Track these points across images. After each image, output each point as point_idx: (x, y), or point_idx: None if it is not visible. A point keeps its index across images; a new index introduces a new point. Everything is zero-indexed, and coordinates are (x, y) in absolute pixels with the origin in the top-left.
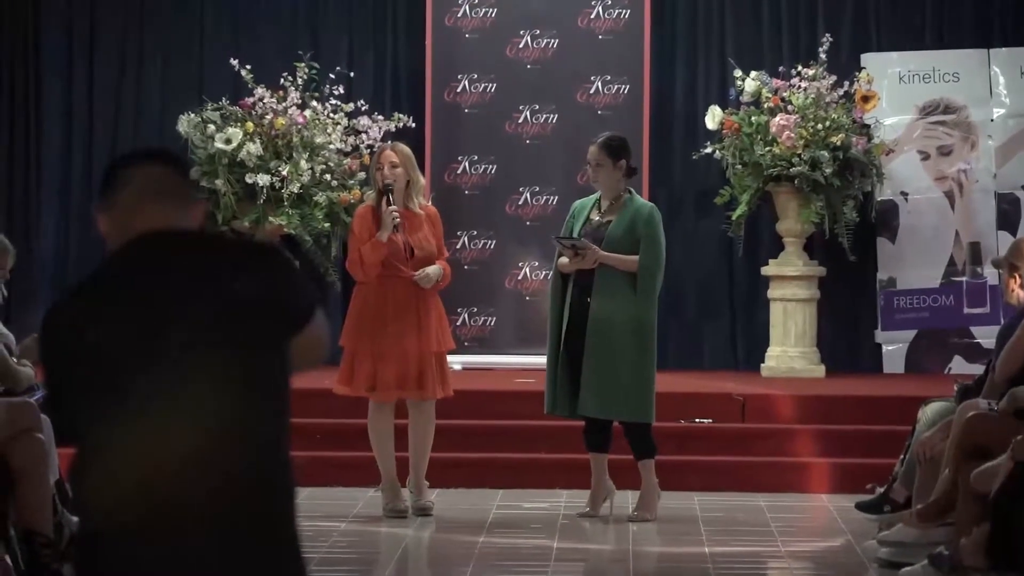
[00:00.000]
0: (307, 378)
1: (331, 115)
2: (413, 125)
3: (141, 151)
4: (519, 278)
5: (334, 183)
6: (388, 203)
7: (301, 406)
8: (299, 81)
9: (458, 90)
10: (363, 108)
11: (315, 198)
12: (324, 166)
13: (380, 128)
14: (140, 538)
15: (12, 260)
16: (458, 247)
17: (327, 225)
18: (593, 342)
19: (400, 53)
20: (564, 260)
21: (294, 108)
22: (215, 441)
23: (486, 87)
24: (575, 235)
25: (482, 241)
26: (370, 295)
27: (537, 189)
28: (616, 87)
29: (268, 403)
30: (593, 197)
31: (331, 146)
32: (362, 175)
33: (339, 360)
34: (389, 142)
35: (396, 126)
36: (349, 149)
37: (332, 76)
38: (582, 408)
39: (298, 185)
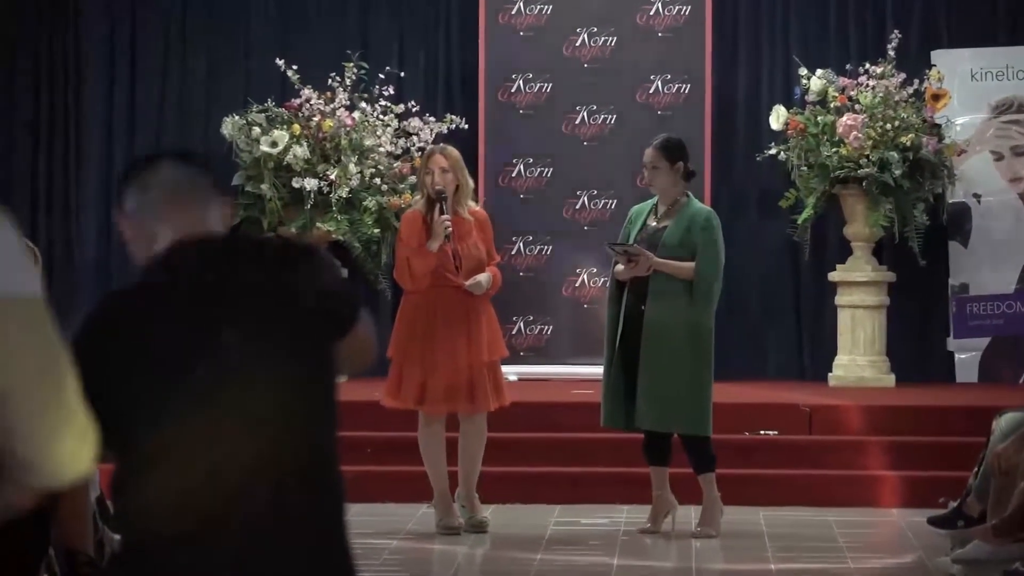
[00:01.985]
0: (357, 389)
1: (381, 117)
2: (466, 127)
3: (165, 151)
4: (576, 285)
5: (384, 187)
6: (441, 211)
7: (350, 418)
8: (347, 82)
9: (512, 90)
10: (414, 109)
11: (364, 203)
12: (373, 169)
13: (432, 130)
14: (191, 548)
15: (39, 268)
16: (513, 253)
17: (376, 231)
18: (648, 351)
19: (452, 52)
20: (620, 267)
21: (342, 110)
22: (270, 446)
23: (542, 87)
24: (631, 241)
25: (538, 247)
26: (419, 304)
27: (595, 192)
28: (676, 86)
29: (321, 408)
30: (651, 202)
31: (381, 149)
32: (413, 179)
33: (387, 370)
34: (438, 145)
35: (448, 128)
36: (399, 152)
37: (382, 76)
38: (639, 421)
39: (346, 189)
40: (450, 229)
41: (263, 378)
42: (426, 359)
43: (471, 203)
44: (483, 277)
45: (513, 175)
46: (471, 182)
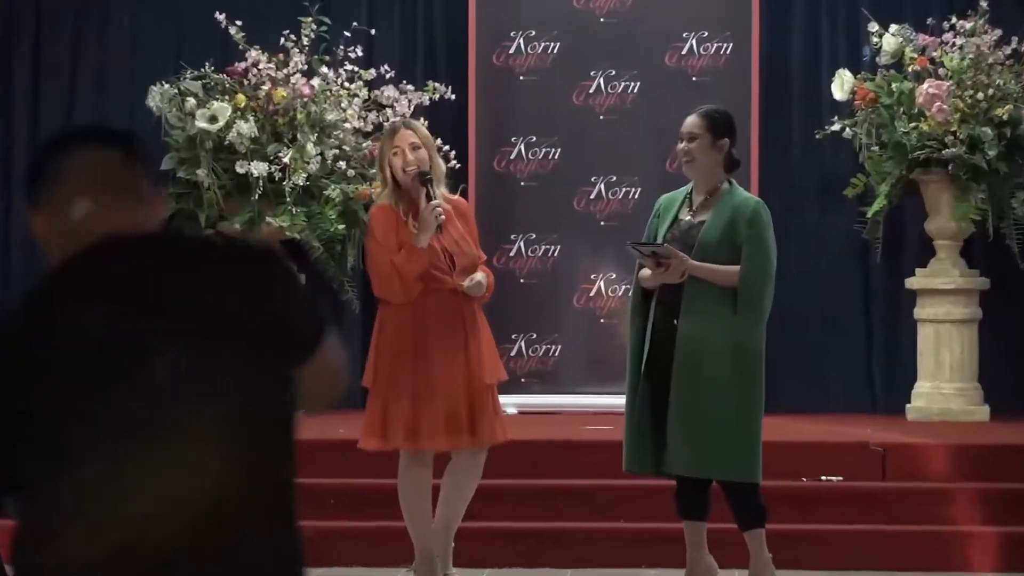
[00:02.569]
0: (317, 426)
1: (346, 85)
2: (452, 97)
3: (80, 131)
4: (591, 295)
5: (350, 173)
6: (428, 196)
7: (309, 462)
8: (304, 41)
9: (511, 51)
10: (387, 75)
11: (326, 192)
12: (337, 151)
13: (410, 101)
14: None
15: None
16: (512, 255)
17: (341, 227)
18: (682, 377)
19: (435, 4)
20: (645, 272)
21: (298, 76)
22: (212, 496)
23: (548, 47)
24: (658, 239)
25: (543, 247)
26: (404, 316)
27: (614, 179)
28: (716, 46)
29: (275, 450)
30: (683, 191)
31: (346, 125)
32: None
33: (361, 404)
34: (400, 119)
35: (430, 98)
36: (370, 128)
37: (347, 34)
38: (670, 464)
39: (304, 176)
40: (443, 217)
41: (205, 415)
42: (418, 384)
43: (444, 190)
44: (480, 276)
45: (512, 157)
46: (443, 165)
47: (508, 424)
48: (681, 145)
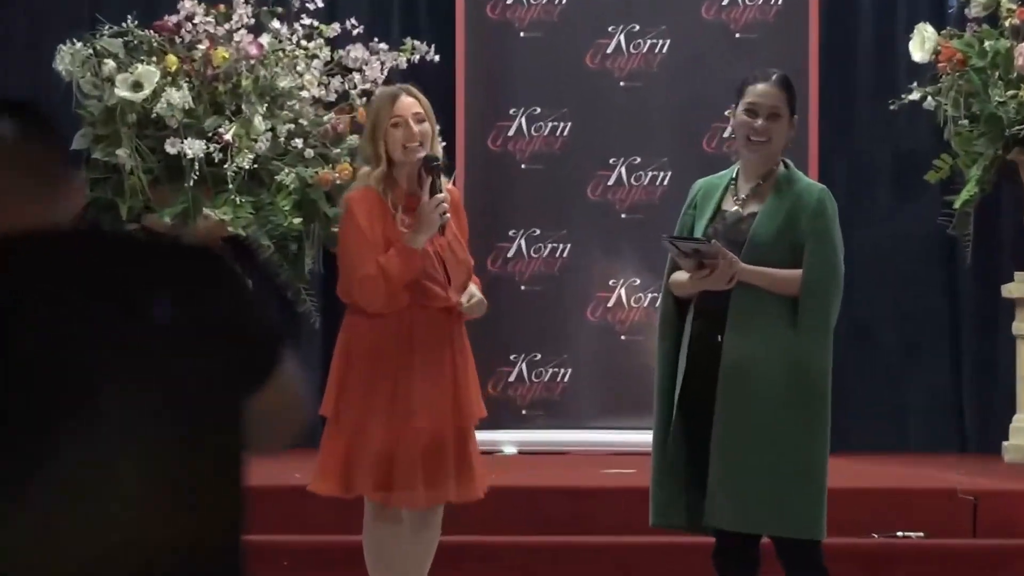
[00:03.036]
0: (269, 470)
1: (303, 44)
2: (436, 58)
3: None
4: (609, 306)
5: (309, 153)
6: (434, 189)
7: (260, 515)
8: None
9: (508, 1)
10: (355, 32)
11: (278, 178)
12: (292, 126)
13: (383, 64)
14: None
15: None
16: (510, 256)
17: (297, 221)
18: (727, 408)
19: None
20: (681, 276)
21: (243, 32)
22: (143, 549)
23: None
24: (698, 235)
25: (549, 245)
26: (380, 333)
27: (637, 160)
28: None
29: (219, 498)
30: (726, 175)
31: (303, 93)
32: (354, 139)
33: (315, 440)
34: (399, 84)
35: (408, 59)
36: (332, 98)
37: None
38: (710, 517)
39: (251, 157)
40: (448, 217)
41: (133, 455)
42: (395, 419)
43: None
44: (478, 292)
45: (510, 134)
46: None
47: (503, 468)
48: (758, 123)
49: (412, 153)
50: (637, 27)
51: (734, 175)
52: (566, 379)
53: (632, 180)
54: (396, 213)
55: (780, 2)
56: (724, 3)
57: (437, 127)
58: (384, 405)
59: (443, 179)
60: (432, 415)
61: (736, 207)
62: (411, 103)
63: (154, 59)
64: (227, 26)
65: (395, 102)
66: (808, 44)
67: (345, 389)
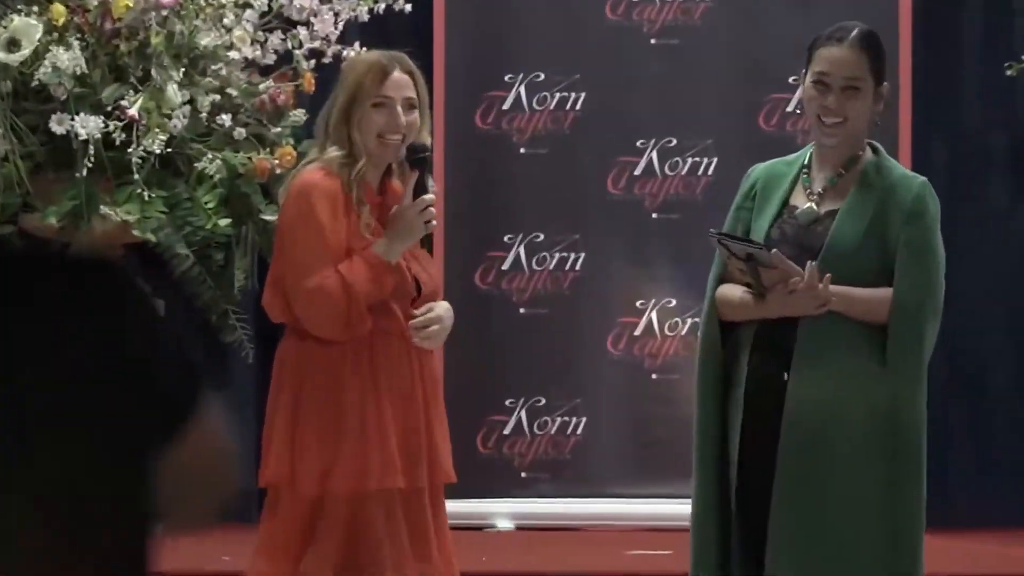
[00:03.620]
0: (190, 552)
1: None
2: (408, 8)
3: None
4: (636, 334)
5: (239, 133)
6: (421, 186)
7: None
8: None
9: None
10: None
11: (199, 165)
12: (218, 97)
13: (337, 16)
14: None
15: None
16: (505, 267)
17: (224, 223)
18: (795, 466)
19: None
20: (732, 292)
21: None
22: None
23: None
24: (755, 236)
25: (557, 255)
26: (337, 365)
27: (672, 143)
28: None
29: None
30: (795, 159)
31: (232, 54)
32: (298, 115)
33: (253, 514)
34: (390, 53)
35: (372, 9)
36: (271, 60)
37: None
38: (774, 568)
39: (162, 139)
40: (435, 223)
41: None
42: (365, 479)
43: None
44: (444, 309)
45: (506, 107)
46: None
47: (497, 547)
48: (830, 99)
49: (389, 148)
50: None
51: (806, 161)
52: (579, 431)
53: (666, 168)
54: (363, 214)
55: None
56: None
57: (428, 114)
58: (346, 465)
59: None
60: (410, 473)
61: (810, 204)
62: (405, 82)
63: (35, 9)
64: None
65: (386, 78)
66: None
67: (290, 443)
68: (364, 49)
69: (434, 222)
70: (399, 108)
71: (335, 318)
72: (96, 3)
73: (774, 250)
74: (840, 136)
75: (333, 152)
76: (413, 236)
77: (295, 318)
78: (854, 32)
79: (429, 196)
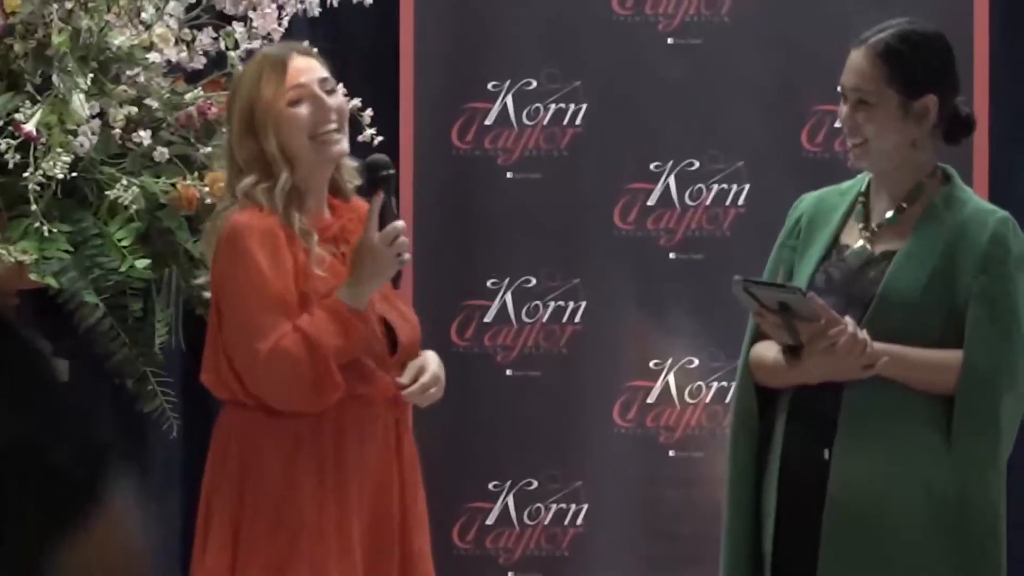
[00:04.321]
0: None
1: None
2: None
3: None
4: (649, 401)
5: (161, 154)
6: (388, 212)
7: None
8: None
9: None
10: None
11: (111, 193)
12: (134, 109)
13: (281, 9)
14: None
15: None
16: (488, 319)
17: (143, 265)
18: (838, 558)
19: None
20: (767, 352)
21: None
22: None
23: None
24: (806, 286)
25: (553, 304)
26: (289, 446)
27: (694, 166)
28: None
29: None
30: (850, 188)
31: (152, 57)
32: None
33: None
34: (291, 43)
35: (325, 1)
36: (200, 64)
37: None
38: None
39: (66, 161)
40: (408, 256)
41: None
42: None
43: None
44: (436, 363)
45: (489, 122)
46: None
47: None
48: (842, 111)
49: (327, 146)
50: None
51: (863, 189)
52: (579, 521)
53: (687, 197)
54: (312, 247)
55: None
56: None
57: (354, 100)
58: (305, 567)
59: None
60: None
61: (863, 242)
62: (311, 66)
63: None
64: None
65: (285, 67)
66: None
67: (238, 540)
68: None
69: (407, 255)
70: (319, 91)
71: (301, 385)
72: None
73: (810, 293)
74: (866, 159)
75: (247, 181)
76: (384, 274)
77: (250, 395)
78: (879, 34)
79: (399, 223)
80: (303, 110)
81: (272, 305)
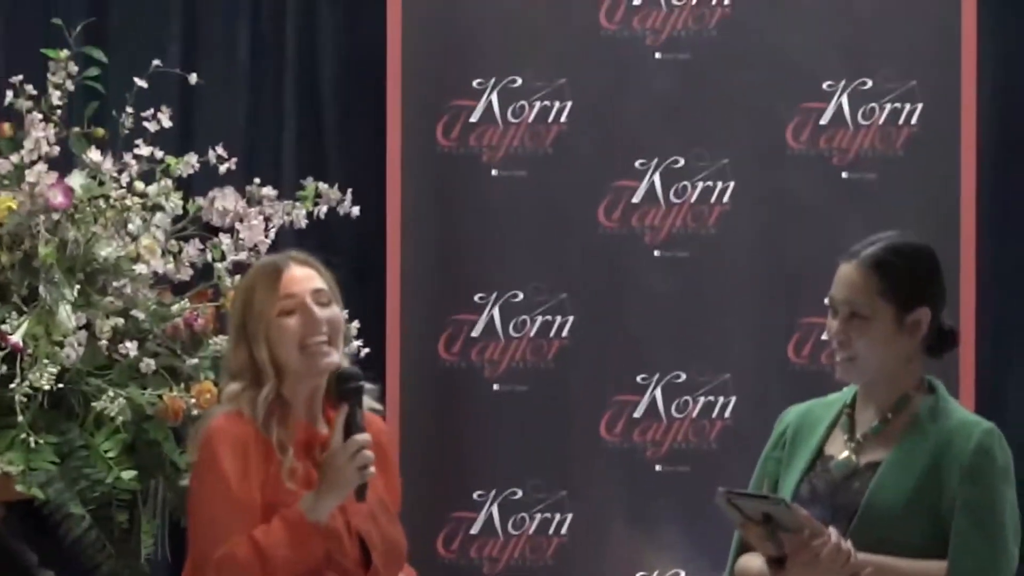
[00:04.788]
0: None
1: (138, 187)
2: (355, 211)
3: None
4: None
5: (147, 365)
6: (352, 424)
7: None
8: (55, 97)
9: None
10: (223, 166)
11: (96, 405)
12: (120, 321)
13: (269, 222)
14: None
15: None
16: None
17: (129, 476)
18: None
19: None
20: (752, 563)
21: (41, 168)
22: None
23: None
24: (789, 495)
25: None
26: None
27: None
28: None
29: None
30: (836, 400)
31: (139, 268)
32: (220, 343)
33: None
34: (286, 253)
35: (312, 212)
36: (187, 276)
37: (141, 84)
38: None
39: (52, 372)
40: (372, 472)
41: None
42: None
43: (367, 398)
44: None
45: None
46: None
47: None
48: (832, 327)
49: (316, 357)
50: (681, 161)
51: (849, 400)
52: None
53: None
54: (285, 459)
55: (916, 118)
56: (823, 122)
57: (344, 312)
58: None
59: (362, 410)
60: None
61: (848, 452)
62: (306, 275)
63: None
64: (15, 158)
65: (279, 278)
66: (960, 183)
67: None
68: None
69: (371, 468)
70: (311, 305)
71: None
72: None
73: (794, 504)
74: (854, 373)
75: (233, 387)
76: (344, 487)
77: None
78: (869, 248)
79: (363, 436)
80: (293, 320)
81: (229, 513)
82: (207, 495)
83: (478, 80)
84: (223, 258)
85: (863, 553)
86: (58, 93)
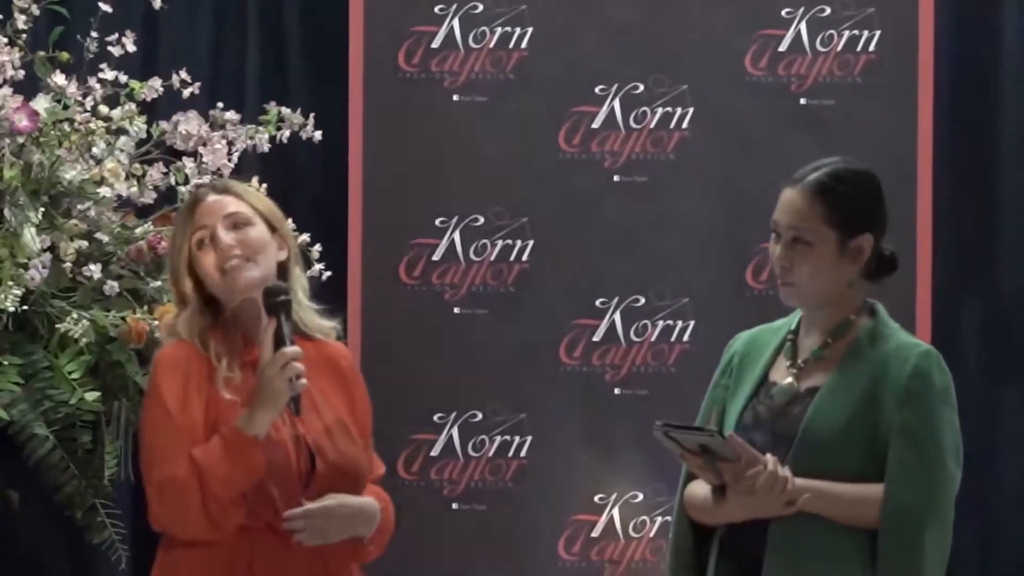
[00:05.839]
0: None
1: (102, 111)
2: (318, 136)
3: None
4: (593, 535)
5: (111, 287)
6: (280, 337)
7: None
8: (19, 22)
9: (435, 43)
10: (187, 90)
11: (61, 326)
12: (85, 243)
13: (231, 144)
14: None
15: None
16: (435, 452)
17: (92, 397)
18: None
19: None
20: (699, 490)
21: (6, 92)
22: None
23: (510, 36)
24: (734, 423)
25: (501, 438)
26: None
27: (639, 303)
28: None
29: None
30: (782, 326)
31: (103, 191)
32: None
33: None
34: (211, 182)
35: (275, 137)
36: (151, 200)
37: (106, 8)
38: None
39: (17, 294)
40: (303, 383)
41: None
42: None
43: (316, 318)
44: (368, 503)
45: (436, 257)
46: (301, 271)
47: None
48: (775, 252)
49: (235, 277)
50: (640, 87)
51: (793, 326)
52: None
53: (632, 334)
54: (220, 368)
55: (873, 44)
56: (781, 49)
57: (290, 224)
58: None
59: (307, 316)
60: None
61: (790, 378)
62: (220, 203)
63: None
64: None
65: (194, 210)
66: (918, 109)
67: None
68: (264, 187)
69: (303, 380)
70: (221, 232)
71: (190, 514)
72: None
73: (729, 433)
74: (797, 297)
75: (167, 318)
76: (277, 399)
77: (162, 525)
78: (815, 172)
79: (292, 349)
80: (206, 253)
81: (169, 435)
82: (149, 422)
83: (440, 6)
84: (186, 181)
85: (801, 479)
86: (23, 17)
